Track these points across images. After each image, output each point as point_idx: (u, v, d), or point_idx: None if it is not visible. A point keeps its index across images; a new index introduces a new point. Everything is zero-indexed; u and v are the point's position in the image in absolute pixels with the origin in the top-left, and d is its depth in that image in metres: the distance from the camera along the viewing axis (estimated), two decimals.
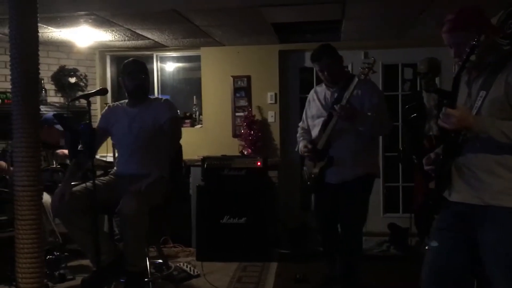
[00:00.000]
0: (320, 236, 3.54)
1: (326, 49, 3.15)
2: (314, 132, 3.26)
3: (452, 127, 1.86)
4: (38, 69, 2.31)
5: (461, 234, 2.01)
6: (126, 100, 3.42)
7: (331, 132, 3.03)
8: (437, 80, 4.53)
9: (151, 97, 3.45)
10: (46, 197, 3.42)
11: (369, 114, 3.01)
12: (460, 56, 1.96)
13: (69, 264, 3.89)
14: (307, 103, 3.43)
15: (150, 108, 3.27)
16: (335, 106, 2.94)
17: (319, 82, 5.16)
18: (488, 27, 1.99)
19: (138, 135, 3.22)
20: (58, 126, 4.07)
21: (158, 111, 3.25)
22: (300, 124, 3.51)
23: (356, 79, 2.89)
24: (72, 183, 3.15)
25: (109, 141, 3.69)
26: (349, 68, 5.08)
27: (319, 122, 3.19)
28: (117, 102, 3.57)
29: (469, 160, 1.95)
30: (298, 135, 3.46)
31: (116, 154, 3.72)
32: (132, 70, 3.27)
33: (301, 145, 3.29)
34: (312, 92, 3.41)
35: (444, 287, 2.07)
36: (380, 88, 5.06)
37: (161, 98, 3.46)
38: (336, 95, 3.12)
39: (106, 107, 3.57)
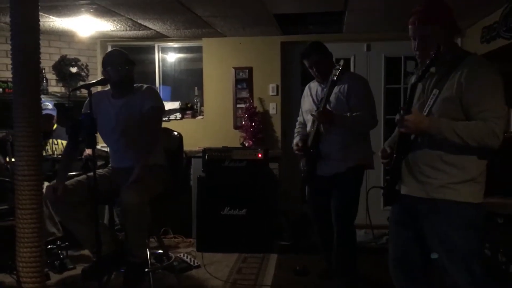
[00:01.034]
0: (315, 228, 3.57)
1: (315, 46, 3.27)
2: (308, 126, 3.36)
3: (409, 131, 1.98)
4: (39, 58, 2.29)
5: (411, 225, 2.14)
6: (109, 89, 3.29)
7: (317, 128, 3.14)
8: None
9: (136, 85, 3.28)
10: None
11: (348, 114, 3.09)
12: (421, 50, 2.04)
13: (70, 253, 3.91)
14: (302, 98, 3.51)
15: (135, 97, 3.17)
16: (312, 114, 3.13)
17: None
18: (452, 24, 2.04)
19: (127, 128, 3.13)
20: (45, 111, 4.05)
21: (142, 99, 3.14)
22: (298, 118, 3.59)
23: (330, 80, 3.01)
24: (70, 174, 3.13)
25: None
26: (352, 61, 5.06)
27: (311, 117, 3.26)
28: (100, 91, 3.43)
29: (417, 156, 2.06)
30: (295, 129, 3.55)
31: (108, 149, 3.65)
32: (117, 62, 3.14)
33: (294, 141, 3.41)
34: (306, 87, 3.49)
35: (408, 275, 2.19)
36: (382, 81, 5.10)
37: (143, 86, 3.28)
38: (325, 90, 3.15)
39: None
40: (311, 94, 3.37)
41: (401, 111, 1.97)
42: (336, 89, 3.11)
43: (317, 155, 3.20)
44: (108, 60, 3.18)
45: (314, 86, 3.39)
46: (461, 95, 1.92)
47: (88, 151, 4.05)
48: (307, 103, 3.40)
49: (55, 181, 3.05)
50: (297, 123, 3.56)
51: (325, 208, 3.31)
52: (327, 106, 3.09)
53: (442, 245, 2.01)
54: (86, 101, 3.12)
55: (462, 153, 1.96)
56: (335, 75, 2.97)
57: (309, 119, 3.33)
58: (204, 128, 5.24)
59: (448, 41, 2.03)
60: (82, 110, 3.17)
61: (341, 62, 3.01)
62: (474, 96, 1.91)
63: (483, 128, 1.88)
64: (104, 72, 3.22)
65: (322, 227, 3.45)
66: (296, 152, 3.33)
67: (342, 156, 3.16)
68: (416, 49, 2.07)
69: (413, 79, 2.08)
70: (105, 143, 3.37)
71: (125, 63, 3.16)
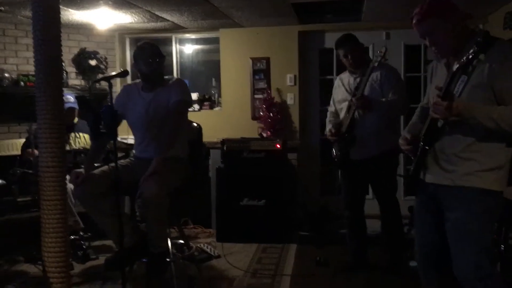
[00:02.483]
0: (345, 217, 3.61)
1: (350, 36, 3.44)
2: (341, 115, 3.50)
3: (442, 116, 1.96)
4: (61, 51, 2.32)
5: (436, 213, 2.13)
6: (140, 81, 3.33)
7: (353, 115, 3.29)
8: None
9: (166, 78, 3.31)
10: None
11: (383, 99, 3.27)
12: (435, 45, 2.05)
13: (93, 244, 3.97)
14: (334, 89, 3.67)
15: (164, 90, 3.19)
16: (352, 98, 3.24)
17: (339, 64, 5.12)
18: (457, 12, 2.03)
19: (154, 120, 3.16)
20: (68, 105, 4.09)
21: (170, 93, 3.16)
22: (329, 108, 3.71)
23: (371, 66, 3.18)
24: (94, 165, 3.18)
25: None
26: (370, 49, 5.00)
27: (345, 105, 3.43)
28: (131, 83, 3.48)
29: (444, 144, 2.05)
30: (327, 118, 3.68)
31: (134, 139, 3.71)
32: (148, 56, 3.16)
33: (327, 129, 3.55)
34: (337, 79, 3.65)
35: (436, 264, 2.19)
36: (402, 69, 5.03)
37: (173, 78, 3.32)
38: (358, 80, 3.35)
39: (121, 89, 3.52)
40: (343, 85, 3.52)
41: (438, 96, 1.95)
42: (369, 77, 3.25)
43: (352, 140, 3.33)
44: (139, 53, 3.21)
45: (345, 77, 3.54)
46: (493, 82, 1.90)
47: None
48: (339, 94, 3.54)
49: (78, 170, 3.11)
50: (328, 113, 3.69)
51: (358, 193, 3.53)
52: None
53: (457, 232, 2.02)
54: (117, 95, 3.20)
55: (492, 140, 1.95)
56: (377, 61, 3.13)
57: (342, 107, 3.47)
58: (222, 119, 5.24)
59: (461, 29, 2.02)
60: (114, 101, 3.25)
61: (383, 49, 3.13)
62: (506, 83, 1.88)
63: None
64: (135, 65, 3.25)
65: (353, 215, 3.55)
66: (330, 138, 3.47)
67: (376, 141, 3.29)
68: (430, 46, 2.08)
69: (454, 66, 2.00)
70: (133, 133, 3.43)
71: (156, 56, 3.18)
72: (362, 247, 3.58)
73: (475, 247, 1.99)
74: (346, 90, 3.46)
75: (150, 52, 3.19)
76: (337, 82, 3.62)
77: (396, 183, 3.50)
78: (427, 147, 2.08)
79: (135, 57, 3.24)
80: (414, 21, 2.09)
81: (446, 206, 2.07)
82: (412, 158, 2.17)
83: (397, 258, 3.52)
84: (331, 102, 3.67)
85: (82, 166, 3.77)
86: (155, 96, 3.20)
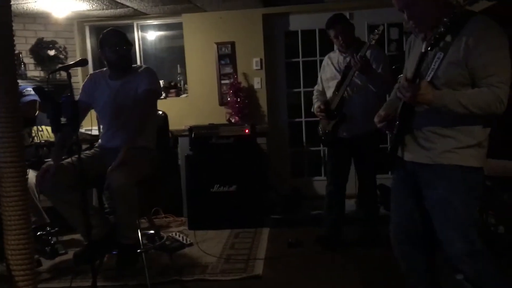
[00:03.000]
0: (327, 189, 3.73)
1: (341, 16, 3.53)
2: (329, 94, 3.60)
3: (408, 100, 1.92)
4: (13, 40, 2.21)
5: (415, 192, 2.11)
6: (106, 69, 3.27)
7: (343, 92, 3.41)
8: None
9: (134, 66, 3.27)
10: (31, 175, 3.36)
11: (379, 72, 3.38)
12: (413, 19, 1.97)
13: (61, 238, 3.88)
14: (322, 68, 3.76)
15: (132, 79, 3.14)
16: (354, 55, 3.24)
17: (304, 46, 5.12)
18: None
19: (122, 108, 3.11)
20: (28, 98, 3.96)
21: (138, 81, 3.11)
22: (316, 87, 3.81)
23: (368, 43, 3.24)
24: (62, 157, 3.09)
25: (93, 114, 3.60)
26: None
27: (332, 84, 3.53)
28: (97, 71, 3.41)
29: (420, 122, 2.02)
30: (313, 97, 3.78)
31: (101, 127, 3.64)
32: (114, 42, 3.09)
33: (315, 106, 3.65)
34: (326, 57, 3.74)
35: (411, 241, 2.18)
36: None
37: (142, 66, 3.27)
38: (348, 59, 3.43)
39: (87, 78, 3.44)
40: (332, 63, 3.61)
41: (404, 79, 1.92)
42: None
43: (342, 118, 3.44)
44: (106, 40, 3.13)
45: (334, 56, 3.63)
46: (467, 59, 1.85)
47: None
48: (328, 72, 3.63)
49: (47, 163, 3.02)
50: (314, 91, 3.80)
51: (344, 170, 3.67)
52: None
53: (441, 211, 1.99)
54: (83, 84, 3.15)
55: (469, 117, 1.90)
56: (374, 39, 3.18)
57: (330, 86, 3.58)
58: (189, 106, 5.17)
59: (442, 3, 1.94)
60: (79, 97, 3.21)
61: (380, 28, 3.17)
62: (480, 59, 1.84)
63: (488, 95, 1.82)
64: (101, 52, 3.18)
65: (335, 190, 3.67)
66: (319, 114, 3.56)
67: (364, 120, 3.35)
68: (408, 20, 1.99)
69: (422, 47, 1.95)
70: (100, 121, 3.35)
71: (123, 43, 3.12)
72: (339, 222, 3.70)
73: (461, 224, 1.96)
74: (335, 69, 3.55)
75: (116, 39, 3.12)
76: (325, 61, 3.70)
77: (378, 161, 3.62)
78: (403, 125, 2.04)
79: (101, 44, 3.16)
80: (400, 4, 1.99)
81: (426, 184, 2.04)
82: (389, 135, 2.16)
83: (370, 232, 3.67)
84: (318, 80, 3.76)
85: (46, 160, 3.68)
86: (123, 84, 3.13)
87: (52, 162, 2.99)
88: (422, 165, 2.04)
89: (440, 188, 1.99)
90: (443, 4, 1.94)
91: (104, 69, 3.30)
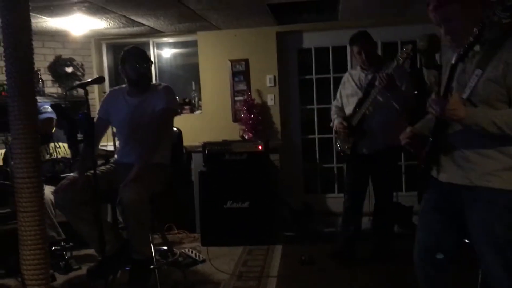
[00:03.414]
0: (344, 205, 3.74)
1: (365, 33, 3.55)
2: (348, 110, 3.63)
3: (438, 115, 1.84)
4: (33, 58, 2.26)
5: (449, 213, 2.03)
6: (126, 86, 3.32)
7: (366, 109, 3.41)
8: (437, 56, 4.47)
9: (153, 83, 3.31)
10: (47, 190, 3.41)
11: (402, 89, 3.41)
12: (451, 34, 1.91)
13: (75, 254, 3.91)
14: (341, 84, 3.79)
15: (150, 96, 3.18)
16: (379, 73, 3.26)
17: (318, 63, 5.15)
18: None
19: (138, 125, 3.15)
20: (45, 115, 4.04)
21: (156, 99, 3.16)
22: (334, 102, 3.87)
23: (395, 62, 3.22)
24: (70, 174, 3.13)
25: (109, 130, 3.65)
26: (347, 48, 5.02)
27: (353, 100, 3.56)
28: (117, 88, 3.45)
29: (458, 139, 1.92)
30: (332, 112, 3.81)
31: (117, 143, 3.68)
32: (135, 59, 3.15)
33: (336, 121, 3.67)
34: (346, 74, 3.78)
35: (435, 266, 2.10)
36: None
37: (161, 84, 3.31)
38: (370, 77, 3.47)
39: (106, 95, 3.49)
40: (353, 80, 3.63)
41: (436, 93, 1.87)
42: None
43: (363, 134, 3.48)
44: (126, 57, 3.19)
45: (355, 73, 3.65)
46: (506, 76, 1.78)
47: None
48: (349, 88, 3.65)
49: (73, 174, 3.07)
50: (333, 107, 3.84)
51: (361, 186, 3.69)
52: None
53: (482, 233, 1.90)
54: (102, 100, 3.22)
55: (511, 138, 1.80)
56: (402, 58, 3.17)
57: (350, 102, 3.60)
58: (203, 123, 5.21)
59: (480, 18, 1.85)
60: (98, 113, 3.31)
61: (409, 47, 3.17)
62: None
63: None
64: (122, 69, 3.23)
65: (352, 206, 3.68)
66: (341, 130, 3.58)
67: (384, 136, 3.41)
68: (445, 35, 1.94)
69: (453, 59, 1.88)
70: (117, 137, 3.40)
71: (143, 61, 3.17)
72: (354, 238, 3.71)
73: (503, 252, 1.85)
74: (356, 85, 3.57)
75: (136, 56, 3.18)
76: (345, 77, 3.74)
77: (395, 180, 3.68)
78: (437, 143, 1.96)
79: (122, 61, 3.22)
80: (430, 7, 1.94)
81: (465, 207, 1.94)
82: (414, 153, 2.08)
83: (383, 247, 3.66)
84: (337, 96, 3.81)
85: (62, 175, 3.73)
86: (141, 101, 3.17)
87: (77, 175, 3.02)
88: (460, 187, 1.94)
89: (480, 210, 1.89)
90: (480, 17, 1.87)
91: (124, 85, 3.35)
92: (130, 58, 3.17)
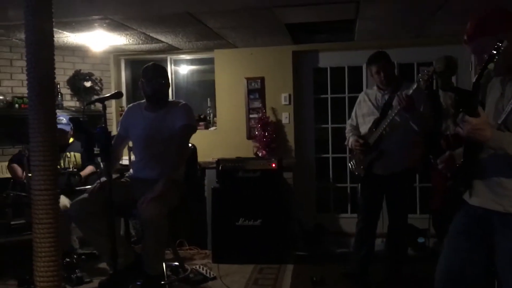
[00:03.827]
0: (357, 227, 3.70)
1: (383, 53, 3.56)
2: (363, 129, 3.61)
3: (465, 134, 1.77)
4: (54, 73, 2.32)
5: (478, 238, 1.97)
6: (144, 101, 3.39)
7: (383, 129, 3.39)
8: (453, 78, 4.45)
9: (171, 100, 3.39)
10: (62, 201, 3.44)
11: (421, 110, 3.36)
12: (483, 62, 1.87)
13: (86, 266, 3.92)
14: (357, 104, 3.77)
15: (168, 113, 3.24)
16: (398, 94, 3.23)
17: (333, 83, 5.16)
18: (507, 27, 1.84)
19: (154, 141, 3.19)
20: (62, 127, 4.11)
21: (175, 116, 3.21)
22: (349, 121, 3.85)
23: (416, 84, 3.19)
24: (86, 187, 3.17)
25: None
26: (363, 69, 5.04)
27: (369, 120, 3.54)
28: (136, 103, 3.53)
29: (493, 164, 1.87)
30: (347, 131, 3.80)
31: (132, 157, 3.72)
32: (151, 76, 3.23)
33: (351, 139, 3.64)
34: (362, 93, 3.77)
35: None
36: None
37: (179, 102, 3.39)
38: (387, 97, 3.46)
39: (125, 111, 3.56)
40: (369, 100, 3.61)
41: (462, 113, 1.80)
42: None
43: (379, 155, 3.44)
44: (144, 73, 3.30)
45: (372, 93, 3.64)
46: None
47: None
48: (365, 108, 3.63)
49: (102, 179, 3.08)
50: (347, 126, 3.83)
51: (375, 207, 3.64)
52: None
53: (511, 262, 1.84)
54: (122, 116, 3.29)
55: None
56: (423, 79, 3.14)
57: (365, 122, 3.59)
58: (218, 139, 5.24)
59: None
60: (118, 129, 3.38)
61: (430, 69, 3.18)
62: None
63: None
64: (140, 84, 3.32)
65: (366, 227, 3.63)
66: (357, 148, 3.55)
67: (400, 158, 3.40)
68: (479, 64, 1.91)
69: (499, 88, 1.88)
70: (133, 152, 3.45)
71: (158, 77, 3.25)
72: (367, 259, 3.65)
73: None
74: (373, 105, 3.56)
75: (153, 73, 3.26)
76: (361, 97, 3.73)
77: (410, 200, 3.63)
78: (468, 165, 1.92)
79: (142, 76, 3.32)
80: (464, 39, 1.92)
81: (497, 234, 1.89)
82: (448, 175, 2.04)
83: (397, 270, 3.60)
84: (353, 115, 3.79)
85: (77, 188, 3.77)
86: (157, 116, 3.22)
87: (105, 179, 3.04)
88: (491, 212, 1.89)
89: (510, 238, 1.84)
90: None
91: (143, 101, 3.42)
92: (146, 73, 3.26)
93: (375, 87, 3.64)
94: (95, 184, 3.10)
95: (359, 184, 3.81)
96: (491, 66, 1.77)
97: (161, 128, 3.18)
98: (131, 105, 3.58)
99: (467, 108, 1.76)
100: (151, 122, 3.22)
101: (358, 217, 3.74)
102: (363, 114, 3.65)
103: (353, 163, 3.68)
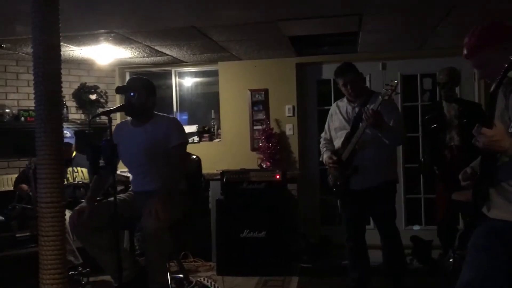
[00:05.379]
0: (347, 244, 3.56)
1: (351, 65, 3.42)
2: (337, 143, 3.48)
3: (483, 146, 1.74)
4: (61, 87, 2.35)
5: (499, 251, 1.93)
6: (129, 118, 3.34)
7: (355, 144, 3.26)
8: (457, 90, 4.47)
9: (158, 114, 3.28)
10: (67, 215, 3.45)
11: (391, 124, 3.22)
12: (488, 76, 1.89)
13: (92, 279, 3.91)
14: (329, 116, 3.65)
15: (155, 127, 3.18)
16: (365, 108, 3.13)
17: (336, 94, 5.17)
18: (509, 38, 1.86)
19: (144, 155, 3.15)
20: (67, 140, 4.13)
21: (167, 132, 3.15)
22: (323, 135, 3.71)
23: (380, 99, 3.09)
24: (96, 199, 3.17)
25: None
26: (367, 80, 5.06)
27: (341, 134, 3.41)
28: (123, 121, 3.49)
29: (506, 174, 1.84)
30: (321, 145, 3.68)
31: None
32: (131, 88, 3.15)
33: (325, 156, 3.53)
34: (334, 106, 3.64)
35: None
36: (399, 99, 5.07)
37: (168, 117, 3.33)
38: (357, 110, 3.34)
39: (114, 129, 3.52)
40: (340, 112, 3.50)
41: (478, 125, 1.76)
42: (369, 107, 3.17)
43: (354, 170, 3.31)
44: (126, 86, 3.26)
45: (342, 105, 3.52)
46: None
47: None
48: (336, 121, 3.52)
49: (81, 204, 3.09)
50: (322, 140, 3.70)
51: (359, 223, 3.50)
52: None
53: None
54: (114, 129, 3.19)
55: None
56: (387, 95, 3.06)
57: (338, 136, 3.47)
58: (222, 151, 5.25)
59: None
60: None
61: (394, 83, 3.09)
62: None
63: None
64: (124, 98, 3.28)
65: (355, 245, 3.50)
66: (331, 165, 3.43)
67: (375, 171, 3.29)
68: (480, 77, 1.96)
69: (492, 87, 1.83)
70: (127, 169, 3.42)
71: (131, 89, 3.15)
72: (366, 277, 3.53)
73: None
74: (344, 118, 3.45)
75: (129, 84, 3.26)
76: (333, 109, 3.60)
77: (395, 211, 3.48)
78: (485, 178, 1.88)
79: None
80: (463, 53, 1.92)
81: None
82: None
83: (399, 282, 3.48)
84: (326, 128, 3.66)
85: (82, 200, 3.77)
86: (145, 130, 3.18)
87: (85, 204, 3.05)
88: (510, 224, 1.85)
89: None
90: None
91: (128, 118, 3.39)
92: (127, 87, 3.25)
93: (345, 99, 3.51)
94: (73, 211, 3.07)
95: (338, 201, 3.67)
96: (510, 74, 1.73)
97: (155, 141, 3.13)
98: (118, 124, 3.57)
99: (482, 119, 1.73)
100: (140, 136, 3.16)
101: (345, 234, 3.57)
102: (335, 128, 3.53)
103: (330, 178, 3.54)
